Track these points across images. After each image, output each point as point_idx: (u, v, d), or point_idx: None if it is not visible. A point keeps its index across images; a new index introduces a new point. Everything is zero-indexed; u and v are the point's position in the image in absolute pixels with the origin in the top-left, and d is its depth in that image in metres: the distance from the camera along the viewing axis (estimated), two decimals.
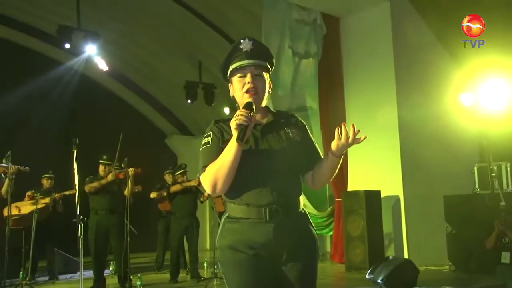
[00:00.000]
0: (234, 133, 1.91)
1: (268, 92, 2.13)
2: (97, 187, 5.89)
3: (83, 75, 10.57)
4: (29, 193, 6.91)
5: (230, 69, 2.10)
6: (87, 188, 5.93)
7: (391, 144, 7.38)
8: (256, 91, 2.06)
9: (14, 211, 6.58)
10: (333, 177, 2.13)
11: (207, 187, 2.02)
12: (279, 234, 2.00)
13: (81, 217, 3.71)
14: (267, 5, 7.84)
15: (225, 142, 2.02)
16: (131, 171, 5.70)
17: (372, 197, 6.97)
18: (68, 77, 10.30)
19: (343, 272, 7.02)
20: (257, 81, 2.07)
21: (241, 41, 2.09)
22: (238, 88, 2.08)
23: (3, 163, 5.54)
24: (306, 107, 8.57)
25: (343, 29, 8.23)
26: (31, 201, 6.72)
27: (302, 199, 2.16)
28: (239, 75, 2.08)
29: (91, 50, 8.61)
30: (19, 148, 6.62)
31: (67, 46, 8.22)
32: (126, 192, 5.85)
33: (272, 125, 2.11)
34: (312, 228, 2.13)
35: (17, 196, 6.74)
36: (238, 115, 1.91)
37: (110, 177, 5.82)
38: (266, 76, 2.12)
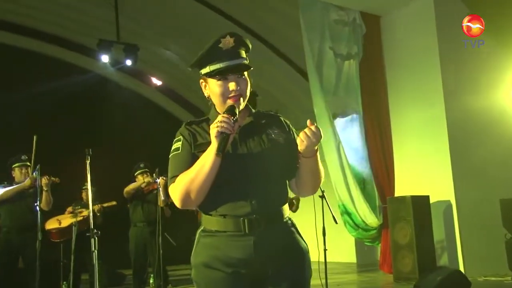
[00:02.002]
0: (214, 142, 1.67)
1: (250, 90, 1.88)
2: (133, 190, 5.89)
3: (122, 87, 10.72)
4: (69, 208, 6.94)
5: (208, 69, 1.83)
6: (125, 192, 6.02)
7: (439, 145, 6.93)
8: (241, 96, 1.82)
9: (55, 224, 6.63)
10: (318, 181, 1.87)
11: (176, 199, 1.77)
12: (261, 248, 1.74)
13: (95, 230, 3.58)
14: (304, 6, 7.59)
15: (198, 146, 1.80)
16: (162, 181, 5.59)
17: (420, 203, 6.53)
18: (108, 89, 10.48)
19: (391, 283, 6.61)
20: (241, 84, 1.83)
21: (221, 39, 1.81)
22: (218, 93, 1.82)
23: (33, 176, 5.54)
24: (350, 111, 8.24)
25: (384, 27, 7.87)
26: (71, 214, 6.74)
27: (288, 208, 1.88)
28: (219, 78, 1.82)
29: (130, 62, 8.69)
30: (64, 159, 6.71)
31: (106, 59, 8.31)
32: (160, 203, 5.77)
33: (252, 126, 1.87)
34: (300, 239, 1.86)
35: (60, 208, 6.81)
36: (219, 122, 1.66)
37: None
38: (247, 73, 1.87)
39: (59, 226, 6.58)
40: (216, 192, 1.76)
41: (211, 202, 1.79)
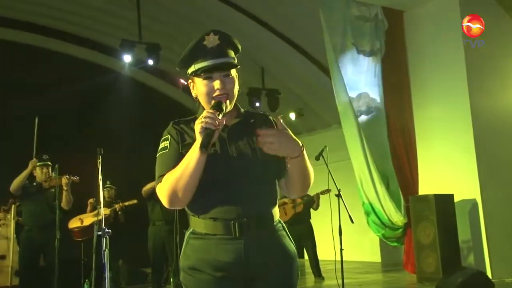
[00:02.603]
0: (198, 138, 1.62)
1: (238, 90, 1.82)
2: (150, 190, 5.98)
3: (146, 86, 10.80)
4: (91, 200, 7.00)
5: (193, 68, 1.79)
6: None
7: (464, 142, 6.75)
8: (227, 95, 1.76)
9: (77, 223, 6.73)
10: (307, 181, 1.80)
11: (164, 199, 1.73)
12: (250, 252, 1.70)
13: (106, 230, 3.59)
14: (324, 3, 7.49)
15: (186, 146, 1.75)
16: None
17: (444, 202, 6.38)
18: (131, 88, 10.58)
19: (414, 283, 6.48)
20: (227, 83, 1.78)
21: (205, 36, 1.76)
22: (204, 92, 1.78)
23: (52, 175, 5.63)
24: (374, 108, 8.10)
25: (407, 23, 7.71)
26: (93, 213, 6.82)
27: (278, 210, 1.83)
28: (204, 77, 1.77)
29: (152, 62, 8.73)
30: (85, 158, 6.80)
31: (128, 59, 8.37)
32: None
33: (241, 125, 1.82)
34: (290, 243, 1.81)
35: (82, 207, 6.91)
36: (204, 117, 1.61)
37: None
38: (235, 72, 1.82)
39: (81, 225, 6.68)
40: (205, 194, 1.72)
41: (200, 204, 1.75)
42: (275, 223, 1.81)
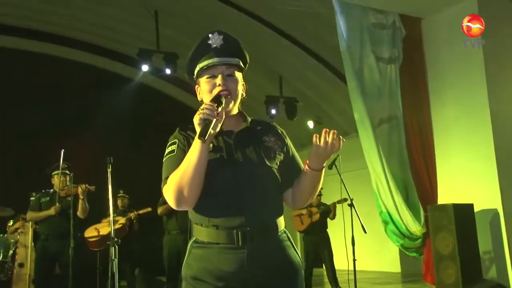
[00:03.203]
0: (198, 129, 1.60)
1: (242, 95, 1.81)
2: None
3: (163, 94, 10.86)
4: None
5: (197, 69, 1.80)
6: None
7: (485, 150, 6.60)
8: (228, 93, 1.75)
9: (93, 233, 6.76)
10: (314, 194, 1.79)
11: (170, 199, 1.70)
12: (253, 262, 1.67)
13: (115, 239, 3.59)
14: (340, 11, 7.42)
15: None
16: None
17: (464, 211, 6.22)
18: (149, 96, 10.68)
19: None
20: (229, 82, 1.77)
21: (210, 35, 1.78)
22: (207, 90, 1.77)
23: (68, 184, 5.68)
24: (393, 117, 7.98)
25: (425, 30, 7.61)
26: (108, 222, 6.85)
27: (283, 220, 1.80)
28: (207, 75, 1.78)
29: (169, 71, 8.80)
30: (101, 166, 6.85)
31: (146, 68, 8.45)
32: None
33: (247, 132, 1.81)
34: (295, 254, 1.77)
35: (98, 216, 6.95)
36: (202, 108, 1.61)
37: None
38: (240, 76, 1.81)
39: (97, 235, 6.70)
40: (209, 201, 1.70)
41: (203, 212, 1.73)
42: (279, 233, 1.78)
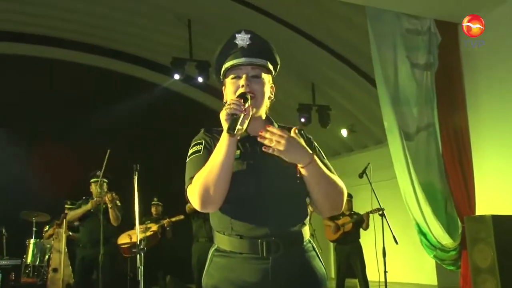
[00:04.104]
0: (225, 125, 1.55)
1: (270, 98, 1.75)
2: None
3: (196, 102, 10.92)
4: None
5: (223, 68, 1.76)
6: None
7: None
8: (253, 94, 1.68)
9: (126, 239, 6.83)
10: (332, 196, 1.67)
11: (195, 199, 1.64)
12: (277, 273, 1.61)
13: (141, 246, 3.59)
14: (372, 17, 7.30)
15: None
16: None
17: (504, 223, 5.97)
18: (181, 104, 10.77)
19: None
20: (254, 83, 1.71)
21: (237, 35, 1.74)
22: (231, 91, 1.73)
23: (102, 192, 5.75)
24: (431, 124, 7.76)
25: (462, 35, 7.37)
26: (141, 229, 6.90)
27: (309, 229, 1.73)
28: (232, 76, 1.73)
29: (202, 79, 8.83)
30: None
31: (177, 76, 8.51)
32: None
33: None
34: (320, 265, 1.70)
35: (130, 224, 7.00)
36: (229, 104, 1.56)
37: None
38: (267, 78, 1.75)
39: (129, 241, 6.76)
40: (233, 209, 1.64)
41: (226, 220, 1.68)
42: (304, 243, 1.72)
